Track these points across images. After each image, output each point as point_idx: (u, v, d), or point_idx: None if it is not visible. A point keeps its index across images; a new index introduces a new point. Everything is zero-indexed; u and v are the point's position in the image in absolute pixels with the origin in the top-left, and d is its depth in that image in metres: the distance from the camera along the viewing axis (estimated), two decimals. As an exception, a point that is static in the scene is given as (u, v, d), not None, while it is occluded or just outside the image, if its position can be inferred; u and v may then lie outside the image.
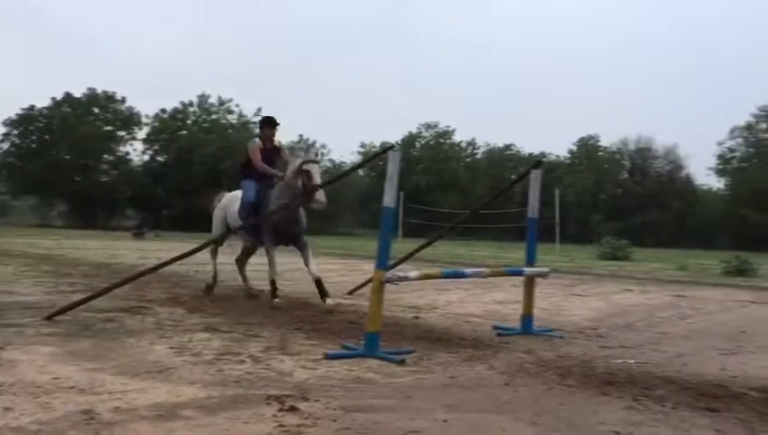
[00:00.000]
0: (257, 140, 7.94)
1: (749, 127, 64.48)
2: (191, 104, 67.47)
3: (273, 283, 7.44)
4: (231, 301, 7.83)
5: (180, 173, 62.24)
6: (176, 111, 67.00)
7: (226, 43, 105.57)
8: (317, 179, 7.02)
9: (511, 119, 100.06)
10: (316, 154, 7.37)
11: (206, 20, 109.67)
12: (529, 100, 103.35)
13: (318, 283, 7.27)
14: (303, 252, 7.54)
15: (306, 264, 7.47)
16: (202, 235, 19.27)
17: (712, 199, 66.94)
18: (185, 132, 65.80)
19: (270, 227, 7.52)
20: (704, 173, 74.71)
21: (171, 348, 4.80)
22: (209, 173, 61.60)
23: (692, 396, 3.92)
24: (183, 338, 5.20)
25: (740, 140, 65.19)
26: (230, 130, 65.54)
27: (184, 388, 3.68)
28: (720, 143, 65.41)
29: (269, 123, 7.98)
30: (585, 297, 9.89)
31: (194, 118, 67.54)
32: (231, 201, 8.36)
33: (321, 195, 6.97)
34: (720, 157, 65.56)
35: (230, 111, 67.83)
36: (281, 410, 3.29)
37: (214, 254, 8.65)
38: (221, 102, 67.53)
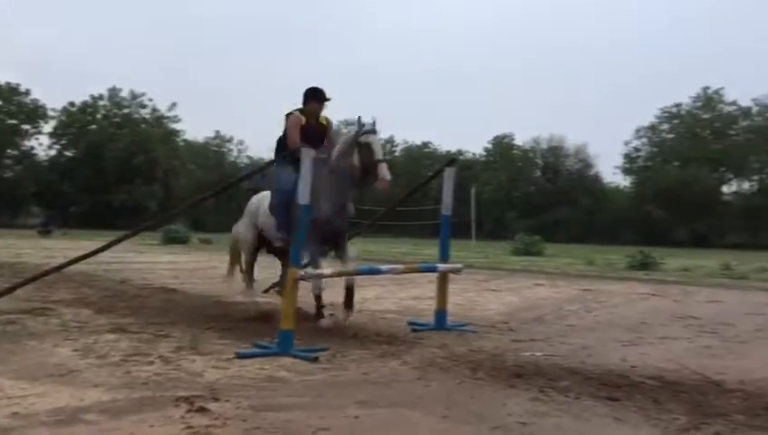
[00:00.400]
0: (298, 112, 6.35)
1: (653, 127, 67.71)
2: (101, 98, 65.20)
3: (318, 298, 6.18)
4: (142, 300, 7.61)
5: (90, 169, 60.09)
6: (85, 104, 64.58)
7: (140, 34, 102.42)
8: (379, 153, 5.82)
9: (429, 116, 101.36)
10: (373, 123, 6.00)
11: (113, 12, 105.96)
12: (447, 98, 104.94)
13: (348, 291, 6.19)
14: (342, 259, 6.30)
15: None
16: (112, 232, 18.65)
17: (618, 197, 69.90)
18: (94, 127, 63.50)
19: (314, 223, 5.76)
20: (611, 171, 78.03)
21: (76, 350, 4.63)
22: (121, 169, 59.79)
23: (594, 386, 4.08)
24: (89, 340, 5.02)
25: (644, 140, 68.37)
26: (143, 125, 63.68)
27: (88, 391, 3.55)
28: (626, 143, 68.44)
29: (315, 96, 6.33)
30: (498, 292, 10.13)
31: (104, 112, 65.27)
32: (261, 202, 6.81)
33: (385, 170, 5.71)
34: (626, 156, 68.58)
35: (143, 106, 65.94)
36: (189, 411, 3.23)
37: (249, 278, 7.12)
38: (133, 96, 65.56)
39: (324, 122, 6.47)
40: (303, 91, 6.38)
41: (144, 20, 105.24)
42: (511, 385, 4.08)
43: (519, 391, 3.95)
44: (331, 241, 6.25)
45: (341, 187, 6.05)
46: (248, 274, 7.11)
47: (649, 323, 7.05)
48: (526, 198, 69.43)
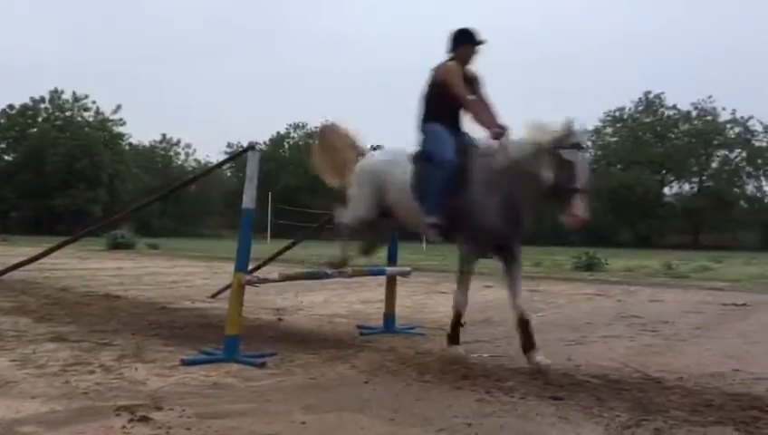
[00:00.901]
0: (452, 63, 4.97)
1: (597, 131, 69.22)
2: (43, 100, 63.37)
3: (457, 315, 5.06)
4: (85, 308, 7.41)
5: (31, 173, 58.33)
6: (25, 107, 62.69)
7: (84, 37, 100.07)
8: (583, 179, 4.35)
9: (380, 118, 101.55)
10: (584, 137, 4.62)
11: (60, 11, 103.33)
12: (398, 100, 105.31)
13: (523, 326, 4.75)
14: (510, 269, 4.87)
15: (510, 289, 4.83)
16: (55, 238, 18.14)
17: (566, 198, 71.07)
18: (35, 130, 61.70)
19: (481, 221, 4.67)
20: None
21: (13, 361, 4.47)
22: (64, 173, 58.31)
23: (539, 386, 4.14)
24: (26, 350, 4.86)
25: (589, 144, 69.83)
26: (87, 129, 62.15)
27: (24, 403, 3.44)
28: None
29: (468, 39, 5.00)
30: (448, 295, 10.17)
31: (45, 115, 63.47)
32: (389, 165, 5.28)
33: (582, 205, 4.32)
34: (572, 159, 69.85)
35: (86, 109, 64.34)
36: (131, 420, 3.16)
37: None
38: (76, 99, 63.90)
39: (471, 76, 5.10)
40: (452, 33, 5.04)
41: (87, 22, 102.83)
42: (458, 387, 4.11)
43: (465, 392, 3.98)
44: (499, 247, 4.87)
45: (514, 192, 4.63)
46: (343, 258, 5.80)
47: (594, 323, 7.20)
48: (475, 200, 70.20)
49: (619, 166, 65.61)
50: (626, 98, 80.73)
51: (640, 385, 4.24)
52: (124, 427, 3.07)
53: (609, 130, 69.39)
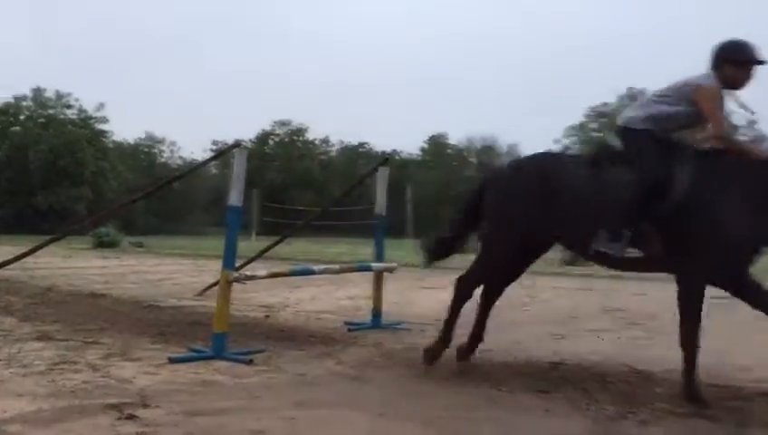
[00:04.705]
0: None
1: (582, 126, 69.57)
2: (25, 98, 62.76)
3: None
4: (69, 306, 7.36)
5: (14, 171, 57.84)
6: (7, 105, 62.05)
7: (61, 36, 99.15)
8: None
9: (365, 116, 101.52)
10: None
11: (37, 10, 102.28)
12: (382, 98, 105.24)
13: None
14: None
15: None
16: (38, 237, 17.97)
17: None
18: (18, 128, 61.11)
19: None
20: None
21: (-1, 360, 4.45)
22: (47, 171, 57.86)
23: (526, 379, 4.18)
24: (12, 349, 4.83)
25: (574, 139, 70.20)
26: (70, 126, 61.66)
27: (11, 402, 3.42)
28: (556, 141, 70.13)
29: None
30: (434, 290, 10.21)
31: (28, 113, 62.86)
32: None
33: None
34: (557, 154, 70.24)
35: (69, 106, 63.76)
36: (119, 418, 3.16)
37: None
38: (59, 96, 63.31)
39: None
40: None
41: (72, 20, 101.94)
42: (445, 380, 4.14)
43: (453, 386, 4.01)
44: None
45: None
46: None
47: (578, 317, 7.25)
48: (462, 195, 70.40)
49: (603, 161, 65.89)
50: (606, 93, 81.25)
51: (627, 378, 4.28)
52: (112, 425, 3.07)
53: (593, 125, 69.73)
